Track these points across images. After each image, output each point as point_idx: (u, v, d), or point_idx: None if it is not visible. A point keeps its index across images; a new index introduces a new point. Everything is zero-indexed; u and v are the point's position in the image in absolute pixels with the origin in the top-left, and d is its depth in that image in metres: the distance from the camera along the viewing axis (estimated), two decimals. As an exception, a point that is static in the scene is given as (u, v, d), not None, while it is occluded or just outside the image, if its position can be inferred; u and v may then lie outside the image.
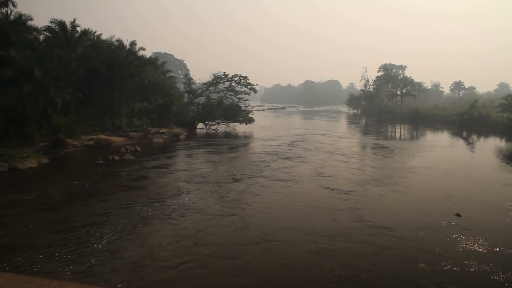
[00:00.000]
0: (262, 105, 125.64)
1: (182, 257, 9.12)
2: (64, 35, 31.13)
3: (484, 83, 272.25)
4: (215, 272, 8.42)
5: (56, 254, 9.29)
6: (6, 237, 10.51)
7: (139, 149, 27.17)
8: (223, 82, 49.82)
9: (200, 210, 13.05)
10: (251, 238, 10.51)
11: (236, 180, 18.13)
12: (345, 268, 8.83)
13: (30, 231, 10.92)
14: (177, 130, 39.31)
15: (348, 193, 15.70)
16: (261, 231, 11.09)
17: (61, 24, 30.99)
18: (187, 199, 14.58)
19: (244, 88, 49.32)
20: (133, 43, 38.03)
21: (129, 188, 16.40)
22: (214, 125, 45.72)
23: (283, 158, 24.77)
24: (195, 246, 9.81)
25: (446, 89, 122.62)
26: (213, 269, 8.57)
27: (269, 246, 10.02)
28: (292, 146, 30.63)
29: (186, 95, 51.72)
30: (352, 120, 72.96)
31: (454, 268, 8.83)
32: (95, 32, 34.98)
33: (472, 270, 8.78)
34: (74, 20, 31.90)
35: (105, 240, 10.19)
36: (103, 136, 30.32)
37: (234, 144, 33.62)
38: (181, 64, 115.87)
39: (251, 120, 46.04)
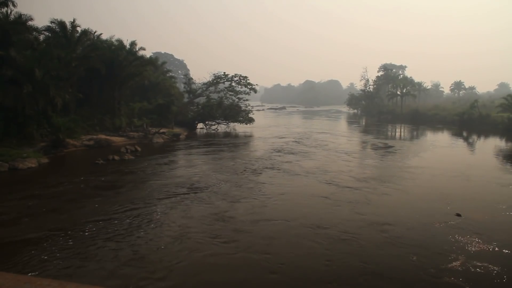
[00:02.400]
0: (262, 105, 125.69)
1: (213, 229, 11.26)
2: (64, 35, 31.12)
3: (484, 83, 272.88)
4: (235, 242, 10.44)
5: (127, 221, 11.88)
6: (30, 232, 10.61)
7: (139, 149, 27.17)
8: (223, 82, 49.73)
9: (224, 196, 15.01)
10: (265, 217, 12.43)
11: (248, 173, 19.65)
12: (342, 252, 9.87)
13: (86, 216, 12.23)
14: (177, 130, 39.30)
15: (350, 189, 16.34)
16: (273, 213, 13.03)
17: (61, 24, 30.98)
18: (211, 187, 16.36)
19: (244, 88, 49.23)
20: (133, 43, 38.04)
21: (150, 182, 17.76)
22: (214, 125, 45.72)
23: (289, 154, 26.31)
24: (221, 222, 11.96)
25: (446, 89, 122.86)
26: (234, 240, 10.57)
27: (281, 225, 11.85)
28: (294, 145, 30.64)
29: (186, 95, 51.64)
30: (352, 120, 72.98)
31: (454, 267, 8.84)
32: (95, 32, 35.01)
33: (471, 269, 8.78)
34: (74, 20, 31.95)
35: (158, 213, 12.77)
36: (103, 136, 30.30)
37: (236, 143, 33.86)
38: (181, 64, 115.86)
39: (251, 120, 46.05)
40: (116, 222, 11.76)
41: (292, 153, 26.73)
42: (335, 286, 8.14)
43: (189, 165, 23.04)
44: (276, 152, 27.23)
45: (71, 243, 10.10)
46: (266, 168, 21.14)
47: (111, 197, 14.94)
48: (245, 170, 20.58)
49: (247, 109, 47.53)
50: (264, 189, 16.17)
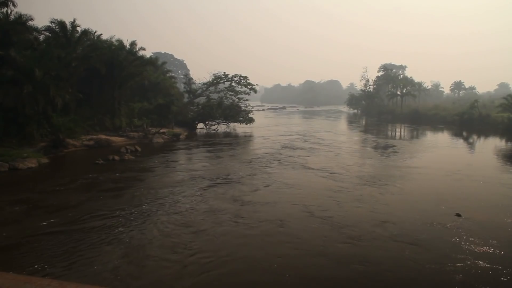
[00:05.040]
0: (262, 105, 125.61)
1: (235, 209, 13.41)
2: (64, 35, 31.10)
3: (484, 83, 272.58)
4: (255, 219, 12.42)
5: (166, 202, 14.52)
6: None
7: (139, 149, 27.17)
8: (223, 82, 49.69)
9: (241, 185, 17.08)
10: (277, 203, 14.36)
11: (258, 168, 21.24)
12: (340, 241, 10.75)
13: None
14: (177, 130, 39.29)
15: (352, 185, 17.15)
16: (283, 200, 14.82)
17: (61, 24, 30.95)
18: (227, 178, 18.36)
19: (244, 88, 49.17)
20: (133, 43, 38.06)
21: (166, 175, 19.46)
22: (214, 125, 45.69)
23: (292, 152, 27.47)
24: (241, 204, 14.11)
25: (446, 89, 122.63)
26: (254, 217, 12.54)
27: (291, 209, 13.64)
28: (296, 144, 30.67)
29: (186, 95, 51.61)
30: (353, 120, 72.97)
31: (453, 266, 8.85)
32: (95, 32, 34.99)
33: (471, 268, 8.79)
34: (74, 20, 31.91)
35: (197, 195, 15.22)
36: (103, 136, 30.30)
37: (238, 143, 34.15)
38: (181, 64, 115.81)
39: (251, 120, 46.02)
40: (158, 203, 13.95)
41: (295, 151, 27.39)
42: (336, 266, 9.19)
43: (197, 162, 23.90)
44: (280, 150, 28.15)
45: (137, 212, 12.94)
46: (273, 164, 22.50)
47: (140, 187, 16.49)
48: (254, 165, 22.09)
49: (247, 109, 47.48)
50: (275, 181, 17.80)
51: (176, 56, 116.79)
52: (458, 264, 9.02)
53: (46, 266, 8.66)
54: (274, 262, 9.17)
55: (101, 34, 36.23)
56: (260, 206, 13.69)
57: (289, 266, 8.98)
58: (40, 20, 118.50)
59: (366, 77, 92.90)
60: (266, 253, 9.76)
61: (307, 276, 8.58)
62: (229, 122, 46.23)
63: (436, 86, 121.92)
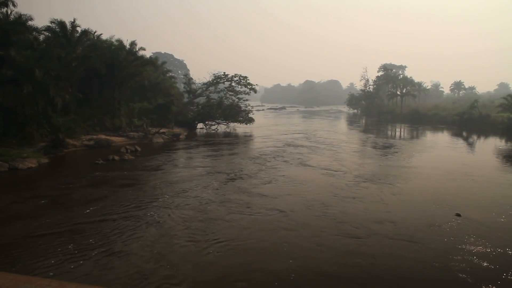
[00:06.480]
0: (262, 105, 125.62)
1: (245, 201, 14.56)
2: (64, 35, 31.09)
3: (484, 83, 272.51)
4: (263, 208, 13.65)
5: (185, 194, 15.83)
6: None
7: (139, 149, 27.17)
8: (223, 82, 49.64)
9: (248, 179, 18.33)
10: (281, 195, 15.47)
11: (261, 164, 22.24)
12: (339, 235, 11.22)
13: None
14: (177, 130, 39.29)
15: (354, 183, 17.54)
16: (288, 192, 16.06)
17: (61, 24, 30.94)
18: (234, 174, 19.60)
19: (244, 88, 49.10)
20: (133, 43, 38.01)
21: (175, 172, 20.26)
22: (214, 125, 45.69)
23: (293, 151, 27.92)
24: (249, 195, 15.37)
25: (446, 89, 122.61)
26: (262, 207, 13.78)
27: (294, 199, 14.91)
28: (297, 144, 30.69)
29: (186, 95, 51.56)
30: (353, 120, 72.99)
31: (453, 265, 8.85)
32: (95, 32, 34.99)
33: (471, 268, 8.79)
34: (74, 20, 31.88)
35: (211, 188, 16.52)
36: (103, 136, 30.30)
37: (239, 142, 34.30)
38: (181, 64, 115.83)
39: (251, 120, 46.03)
40: (180, 195, 15.18)
41: (297, 149, 27.98)
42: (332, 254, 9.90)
43: (201, 160, 24.48)
44: (282, 148, 28.75)
45: (162, 201, 14.48)
46: (277, 161, 23.35)
47: (156, 182, 17.33)
48: (259, 162, 22.97)
49: (247, 109, 47.49)
50: (280, 176, 18.78)
51: (176, 56, 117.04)
52: (457, 263, 9.02)
53: (102, 242, 10.24)
54: (282, 246, 10.14)
55: (101, 34, 36.29)
56: (267, 199, 14.67)
57: (295, 252, 9.81)
58: (40, 20, 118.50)
59: (366, 77, 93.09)
60: (274, 238, 10.77)
61: (309, 264, 9.20)
62: (229, 122, 46.20)
63: (436, 86, 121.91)
